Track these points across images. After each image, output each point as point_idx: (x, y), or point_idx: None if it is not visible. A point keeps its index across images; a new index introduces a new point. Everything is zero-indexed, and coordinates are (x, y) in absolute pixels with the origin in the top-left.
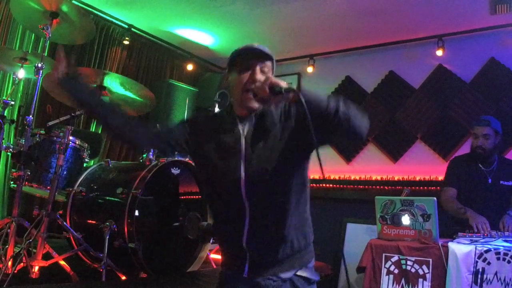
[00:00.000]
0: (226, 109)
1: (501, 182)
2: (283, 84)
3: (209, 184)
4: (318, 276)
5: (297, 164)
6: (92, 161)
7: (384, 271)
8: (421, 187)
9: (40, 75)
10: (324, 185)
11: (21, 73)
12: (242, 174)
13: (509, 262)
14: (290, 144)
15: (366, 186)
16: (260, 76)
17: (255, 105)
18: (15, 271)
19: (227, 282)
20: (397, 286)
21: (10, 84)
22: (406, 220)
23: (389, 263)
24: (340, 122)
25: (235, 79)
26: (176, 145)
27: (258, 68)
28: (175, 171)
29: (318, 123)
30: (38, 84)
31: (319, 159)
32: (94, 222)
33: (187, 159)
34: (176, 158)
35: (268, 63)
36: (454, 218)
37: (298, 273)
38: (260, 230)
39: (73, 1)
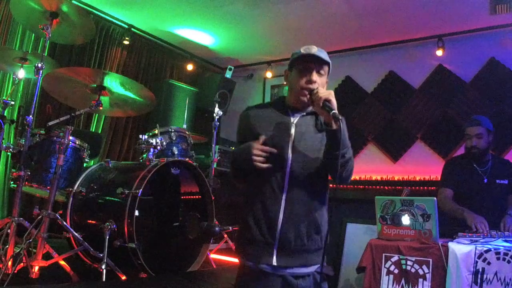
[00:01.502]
0: (278, 101)
1: (497, 181)
2: (335, 108)
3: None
4: (332, 272)
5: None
6: (92, 161)
7: (384, 271)
8: (421, 187)
9: (40, 75)
10: None
11: (21, 73)
12: (290, 154)
13: (509, 262)
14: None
15: (366, 186)
16: (316, 78)
17: (306, 101)
18: (15, 271)
19: (257, 278)
20: (397, 286)
21: (10, 84)
22: (406, 220)
23: (389, 263)
24: (342, 167)
25: (294, 78)
26: None
27: (315, 71)
28: (175, 171)
29: (330, 157)
30: (38, 84)
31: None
32: (94, 222)
33: (187, 159)
34: (176, 158)
35: (325, 67)
36: (454, 218)
37: (318, 269)
38: (295, 214)
39: (73, 1)
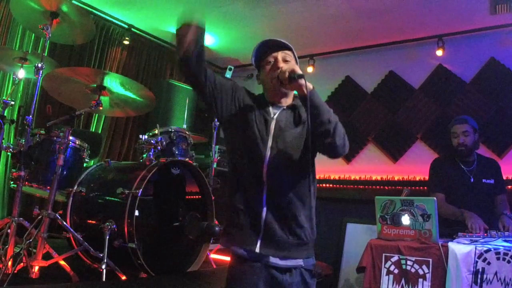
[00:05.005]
0: (259, 96)
1: (483, 180)
2: (299, 71)
3: (238, 149)
4: (319, 269)
5: (309, 159)
6: (92, 161)
7: (384, 271)
8: (421, 187)
9: (40, 75)
10: (324, 185)
11: (21, 73)
12: (268, 151)
13: (509, 262)
14: (306, 143)
15: (366, 186)
16: (282, 64)
17: (284, 90)
18: (15, 271)
19: (242, 268)
20: (397, 286)
21: (10, 84)
22: (406, 220)
23: (389, 263)
24: (334, 134)
25: (264, 74)
26: (211, 90)
27: (280, 58)
28: (175, 171)
29: (315, 127)
30: (38, 84)
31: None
32: (94, 222)
33: (187, 159)
34: (176, 158)
35: (289, 52)
36: (455, 221)
37: (305, 265)
38: (277, 207)
39: (73, 1)
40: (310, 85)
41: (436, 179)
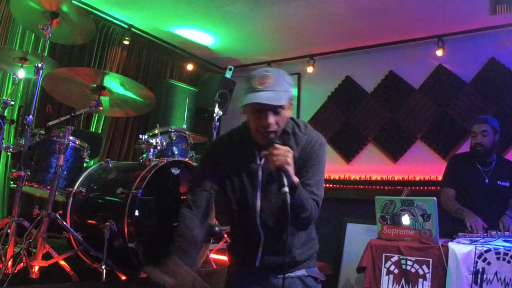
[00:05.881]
0: (244, 132)
1: (498, 182)
2: (290, 176)
3: (229, 207)
4: (323, 276)
5: None
6: (92, 161)
7: (384, 271)
8: (421, 187)
9: (40, 75)
10: (324, 185)
11: (21, 73)
12: (258, 203)
13: (509, 262)
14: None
15: (366, 186)
16: (272, 119)
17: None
18: (15, 271)
19: (239, 275)
20: (397, 286)
21: (10, 84)
22: (406, 220)
23: (389, 263)
24: (301, 223)
25: (249, 117)
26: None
27: (270, 112)
28: (175, 171)
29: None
30: (38, 84)
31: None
32: (94, 222)
33: (187, 159)
34: (176, 158)
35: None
36: (454, 218)
37: (308, 274)
38: (272, 251)
39: (73, 1)
40: (295, 179)
41: (450, 174)
